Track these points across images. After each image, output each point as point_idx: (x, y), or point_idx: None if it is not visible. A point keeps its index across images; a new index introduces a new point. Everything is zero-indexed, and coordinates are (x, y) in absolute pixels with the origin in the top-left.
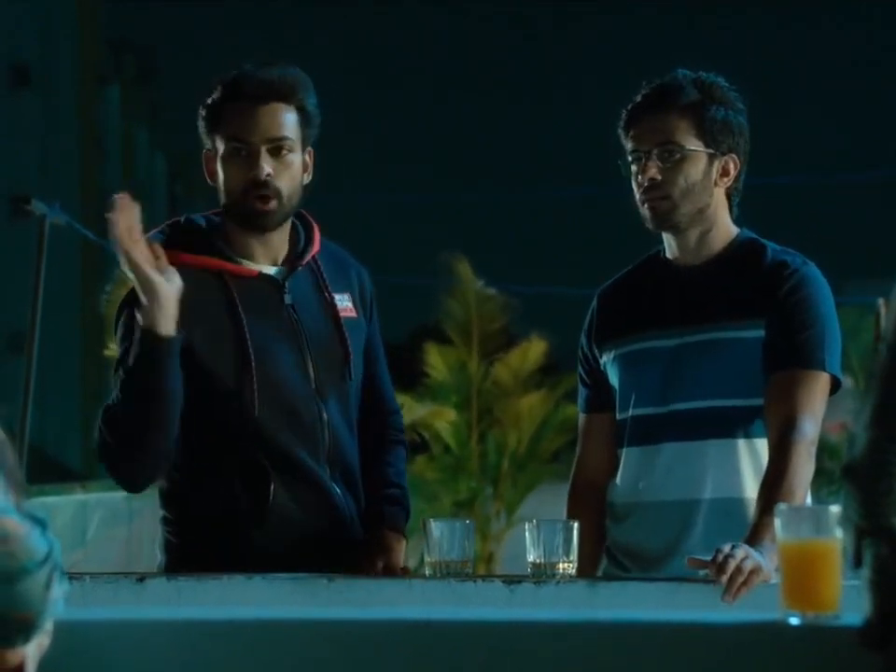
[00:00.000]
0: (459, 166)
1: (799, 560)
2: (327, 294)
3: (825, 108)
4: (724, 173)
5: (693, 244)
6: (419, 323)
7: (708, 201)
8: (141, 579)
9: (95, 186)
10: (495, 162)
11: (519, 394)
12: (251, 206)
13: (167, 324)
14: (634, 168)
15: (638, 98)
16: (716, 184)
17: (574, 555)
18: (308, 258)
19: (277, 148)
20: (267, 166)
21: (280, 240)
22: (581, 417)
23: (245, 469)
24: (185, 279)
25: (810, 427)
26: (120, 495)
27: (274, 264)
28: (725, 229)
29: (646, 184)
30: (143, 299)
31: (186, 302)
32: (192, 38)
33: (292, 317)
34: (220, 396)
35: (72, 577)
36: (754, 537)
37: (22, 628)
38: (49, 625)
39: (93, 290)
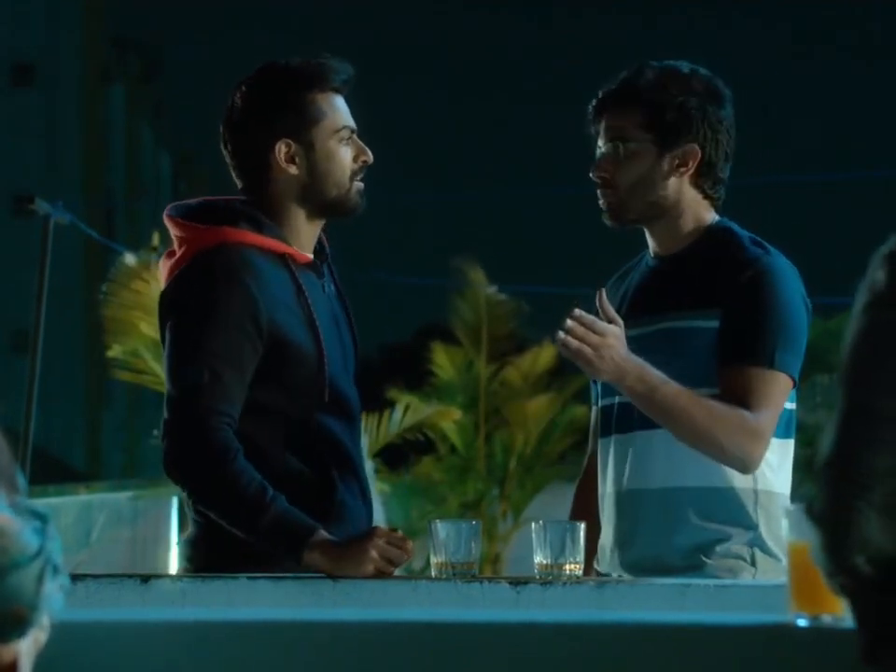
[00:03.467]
0: (471, 167)
1: (808, 562)
2: (338, 287)
3: (828, 105)
4: (682, 164)
5: (662, 235)
6: (428, 323)
7: (662, 193)
8: (145, 580)
9: (99, 185)
10: (508, 162)
11: (527, 395)
12: (357, 188)
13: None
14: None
15: (600, 94)
16: (671, 176)
17: (581, 556)
18: (328, 251)
19: None
20: None
21: (319, 230)
22: (593, 410)
23: (309, 464)
24: (253, 259)
25: (759, 416)
26: (125, 496)
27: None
28: (695, 218)
29: (598, 181)
30: (336, 565)
31: (264, 285)
32: (197, 37)
33: (334, 306)
34: (293, 385)
35: (76, 578)
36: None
37: (16, 623)
38: (44, 621)
39: (97, 290)
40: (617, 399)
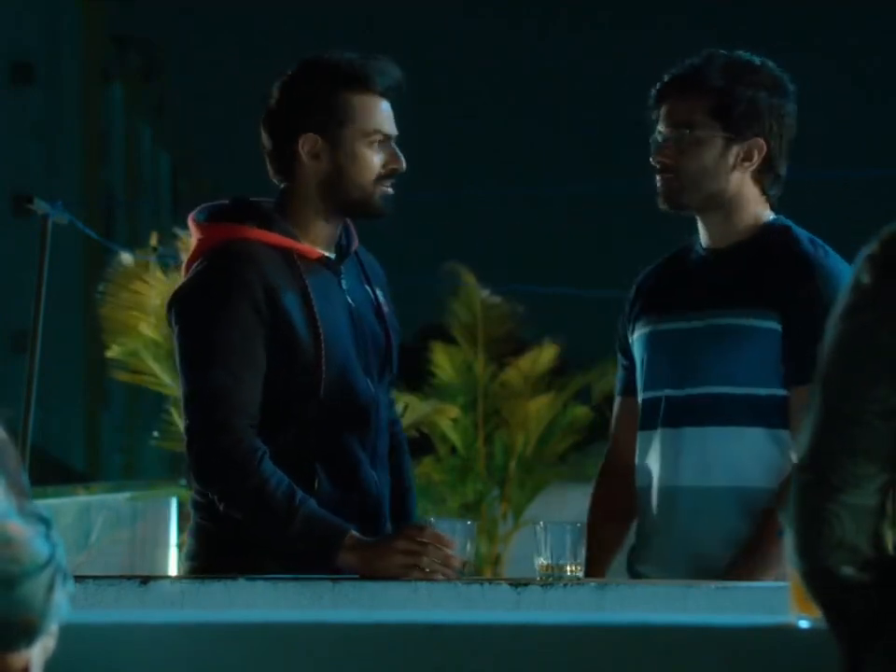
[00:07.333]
0: (465, 165)
1: None
2: (369, 287)
3: (835, 104)
4: (747, 157)
5: (717, 228)
6: (427, 323)
7: (724, 185)
8: (144, 581)
9: (99, 185)
10: (501, 160)
11: (527, 395)
12: (383, 192)
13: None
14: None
15: (666, 78)
16: (735, 169)
17: (582, 558)
18: (353, 248)
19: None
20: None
21: (339, 228)
22: (616, 400)
23: (290, 454)
24: (256, 255)
25: None
26: (124, 497)
27: (328, 251)
28: (752, 214)
29: (657, 166)
30: (368, 566)
31: (267, 280)
32: (197, 35)
33: (349, 303)
34: (288, 377)
35: (75, 579)
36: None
37: (25, 632)
38: (53, 628)
39: (96, 290)
40: (665, 392)
